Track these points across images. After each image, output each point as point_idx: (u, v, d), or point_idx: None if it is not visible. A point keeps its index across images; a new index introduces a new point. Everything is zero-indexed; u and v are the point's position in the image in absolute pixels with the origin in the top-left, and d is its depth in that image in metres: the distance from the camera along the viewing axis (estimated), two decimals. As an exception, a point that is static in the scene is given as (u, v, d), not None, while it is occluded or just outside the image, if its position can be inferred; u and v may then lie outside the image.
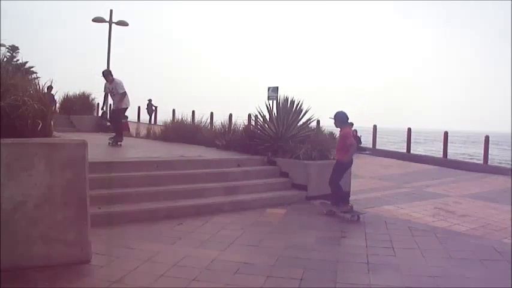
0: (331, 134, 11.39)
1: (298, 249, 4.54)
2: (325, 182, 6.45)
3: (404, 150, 17.21)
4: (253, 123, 9.80)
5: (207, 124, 11.57)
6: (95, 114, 18.01)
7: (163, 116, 14.47)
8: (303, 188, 7.24)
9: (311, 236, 5.15)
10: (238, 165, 7.50)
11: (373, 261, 4.22)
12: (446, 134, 15.83)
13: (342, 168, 6.42)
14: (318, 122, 10.33)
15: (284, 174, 7.60)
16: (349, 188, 7.56)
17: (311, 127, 8.86)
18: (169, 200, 5.86)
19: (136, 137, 12.99)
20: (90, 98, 17.54)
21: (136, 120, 21.41)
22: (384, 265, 4.14)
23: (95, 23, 20.88)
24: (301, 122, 8.48)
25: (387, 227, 5.68)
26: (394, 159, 15.54)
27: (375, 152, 17.24)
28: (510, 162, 17.75)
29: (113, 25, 21.19)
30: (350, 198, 7.41)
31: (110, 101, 10.34)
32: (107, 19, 21.06)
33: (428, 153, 20.16)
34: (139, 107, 23.76)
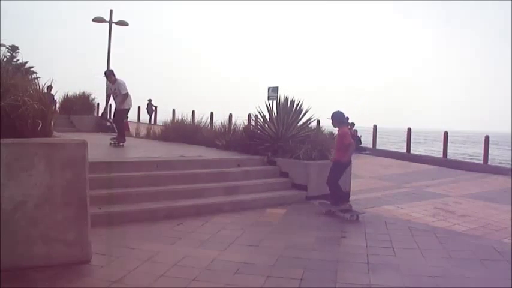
0: (331, 134, 11.39)
1: (298, 249, 4.54)
2: (325, 182, 6.45)
3: (404, 150, 17.22)
4: (253, 123, 9.80)
5: (207, 124, 11.57)
6: (95, 114, 18.02)
7: (163, 116, 14.49)
8: (303, 188, 7.24)
9: (311, 236, 5.15)
10: (238, 165, 7.50)
11: (373, 261, 4.22)
12: (446, 134, 15.83)
13: (340, 168, 6.42)
14: (318, 122, 10.33)
15: (284, 174, 7.60)
16: (349, 188, 7.56)
17: (311, 127, 8.86)
18: (169, 200, 5.86)
19: (136, 137, 12.99)
20: (90, 98, 17.56)
21: (137, 120, 21.42)
22: (384, 265, 4.14)
23: (95, 23, 20.89)
24: (301, 122, 8.48)
25: (387, 227, 5.68)
26: (394, 159, 15.53)
27: (375, 152, 17.24)
28: (510, 162, 17.75)
29: (113, 25, 21.19)
30: (350, 198, 7.42)
31: (111, 101, 10.29)
32: (107, 19, 21.06)
33: (428, 153, 20.18)
34: (139, 107, 23.78)
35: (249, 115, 11.33)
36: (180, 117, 11.79)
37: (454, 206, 7.55)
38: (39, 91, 4.18)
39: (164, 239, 4.66)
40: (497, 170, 13.29)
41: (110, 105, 10.96)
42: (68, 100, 16.69)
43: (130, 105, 9.53)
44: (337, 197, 6.33)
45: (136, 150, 8.76)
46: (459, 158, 20.91)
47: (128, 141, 9.81)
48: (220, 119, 10.95)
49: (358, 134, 18.12)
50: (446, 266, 4.20)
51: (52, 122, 4.16)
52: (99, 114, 18.04)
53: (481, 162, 14.91)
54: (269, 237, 5.03)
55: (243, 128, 9.43)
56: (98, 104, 19.01)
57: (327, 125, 7.45)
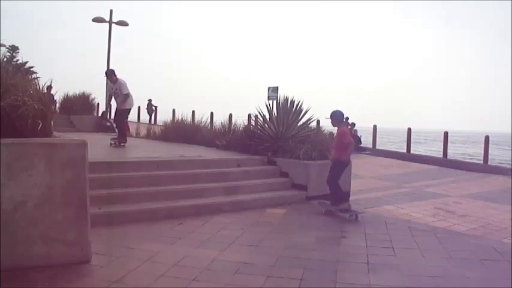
0: (331, 134, 11.39)
1: (298, 249, 4.54)
2: (325, 181, 6.45)
3: (404, 150, 17.23)
4: (253, 123, 9.79)
5: (207, 124, 11.57)
6: (95, 114, 18.02)
7: (163, 116, 14.49)
8: (303, 188, 7.24)
9: (311, 236, 5.15)
10: (238, 165, 7.50)
11: (373, 261, 4.22)
12: (446, 134, 15.84)
13: (340, 167, 6.41)
14: (318, 122, 10.33)
15: (284, 174, 7.60)
16: (349, 188, 7.56)
17: (311, 127, 8.86)
18: (169, 200, 5.86)
19: (136, 137, 12.99)
20: (90, 98, 17.57)
21: (137, 120, 21.42)
22: (384, 265, 4.14)
23: (95, 23, 20.90)
24: (301, 122, 8.48)
25: (387, 227, 5.68)
26: (394, 159, 15.54)
27: (375, 152, 17.26)
28: (510, 162, 17.76)
29: (113, 25, 21.21)
30: (350, 198, 7.41)
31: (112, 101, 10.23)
32: (107, 19, 21.08)
33: (428, 153, 20.19)
34: (139, 107, 23.79)
35: (249, 115, 11.33)
36: (180, 117, 11.79)
37: (454, 206, 7.56)
38: (39, 91, 4.18)
39: (164, 239, 4.66)
40: (497, 170, 13.30)
41: (111, 105, 10.91)
42: (68, 100, 16.69)
43: (132, 105, 9.44)
44: (337, 196, 6.33)
45: (136, 150, 8.76)
46: (459, 158, 20.92)
47: (128, 141, 9.80)
48: (220, 119, 10.96)
49: (358, 134, 18.14)
50: (446, 266, 4.19)
51: (52, 122, 4.16)
52: (99, 114, 18.06)
53: (481, 162, 14.92)
54: (269, 237, 5.03)
55: (243, 128, 9.43)
56: (98, 104, 19.04)
57: (327, 125, 7.45)
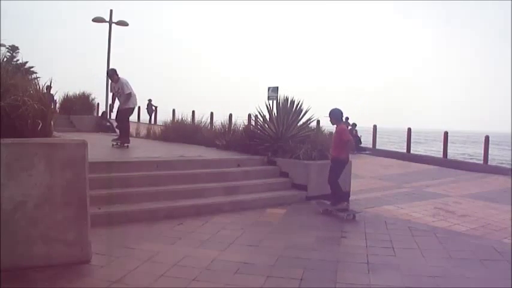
0: (332, 134, 11.38)
1: (298, 249, 4.54)
2: (325, 182, 6.46)
3: (405, 150, 17.23)
4: (253, 123, 9.79)
5: (207, 124, 11.57)
6: (95, 114, 18.03)
7: (163, 116, 14.49)
8: (303, 188, 7.24)
9: (311, 236, 5.15)
10: (238, 165, 7.50)
11: (373, 261, 4.22)
12: (446, 134, 15.84)
13: (339, 165, 6.41)
14: (318, 122, 10.33)
15: (284, 174, 7.60)
16: (349, 188, 7.56)
17: (311, 127, 8.86)
18: (169, 200, 5.86)
19: (136, 137, 12.98)
20: (90, 98, 17.56)
21: (137, 120, 21.42)
22: (384, 265, 4.14)
23: (95, 23, 20.92)
24: (301, 122, 8.48)
25: (387, 227, 5.68)
26: (394, 159, 15.54)
27: (375, 152, 17.25)
28: (510, 162, 17.76)
29: (113, 25, 21.23)
30: (350, 198, 7.42)
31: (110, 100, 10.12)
32: (107, 19, 21.09)
33: (428, 153, 20.19)
34: (139, 107, 23.77)
35: (249, 115, 11.33)
36: (180, 117, 11.79)
37: (454, 206, 7.55)
38: (39, 91, 4.18)
39: (164, 239, 4.66)
40: (497, 170, 13.30)
41: (110, 105, 10.83)
42: (68, 100, 16.69)
43: (135, 104, 9.28)
44: (337, 196, 6.33)
45: (136, 150, 8.76)
46: (459, 158, 20.93)
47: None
48: (220, 119, 10.95)
49: (358, 134, 18.14)
50: (446, 266, 4.20)
51: (52, 122, 4.16)
52: (99, 114, 18.06)
53: (481, 162, 14.92)
54: (269, 237, 5.03)
55: (243, 128, 9.43)
56: (98, 104, 19.05)
57: (327, 124, 7.46)
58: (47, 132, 3.96)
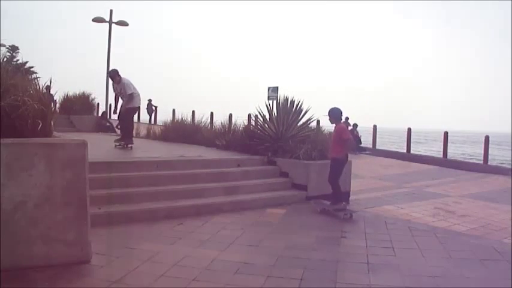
0: (332, 134, 11.37)
1: (298, 249, 4.54)
2: (325, 182, 6.45)
3: (405, 150, 17.23)
4: (253, 123, 9.79)
5: (207, 124, 11.57)
6: (95, 114, 18.03)
7: (163, 116, 14.49)
8: (303, 188, 7.24)
9: (311, 236, 5.15)
10: (238, 165, 7.50)
11: (373, 261, 4.22)
12: (446, 134, 15.84)
13: (339, 164, 6.41)
14: (318, 122, 10.33)
15: (284, 174, 7.60)
16: (349, 188, 7.57)
17: (311, 127, 8.86)
18: (169, 200, 5.86)
19: (136, 137, 12.96)
20: (90, 98, 17.56)
21: (137, 120, 21.42)
22: (384, 265, 4.14)
23: (95, 23, 20.93)
24: (301, 122, 8.48)
25: (387, 227, 5.68)
26: (394, 159, 15.54)
27: (375, 152, 17.25)
28: (510, 162, 17.77)
29: (113, 25, 21.24)
30: (350, 198, 7.42)
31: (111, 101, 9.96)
32: (107, 19, 21.11)
33: (428, 153, 20.21)
34: (139, 107, 23.77)
35: (249, 115, 11.33)
36: (180, 117, 11.79)
37: (454, 206, 7.55)
38: (39, 91, 4.18)
39: (164, 239, 4.66)
40: (497, 170, 13.30)
41: (110, 104, 10.74)
42: (68, 100, 16.69)
43: (139, 103, 9.18)
44: (336, 196, 6.33)
45: (136, 150, 8.75)
46: (459, 158, 20.93)
47: (129, 141, 9.76)
48: (220, 119, 10.94)
49: (359, 134, 18.14)
50: (446, 266, 4.20)
51: (52, 122, 4.16)
52: (99, 114, 18.07)
53: (481, 162, 14.92)
54: (269, 237, 5.03)
55: (243, 128, 9.42)
56: (98, 104, 19.05)
57: (327, 124, 7.46)
58: (47, 132, 3.96)
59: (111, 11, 21.27)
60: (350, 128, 16.56)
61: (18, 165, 3.53)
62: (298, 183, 7.34)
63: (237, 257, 4.20)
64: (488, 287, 3.76)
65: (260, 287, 3.51)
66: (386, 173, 11.88)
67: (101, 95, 20.18)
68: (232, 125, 10.17)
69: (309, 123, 8.66)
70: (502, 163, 18.75)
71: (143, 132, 13.11)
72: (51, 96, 4.72)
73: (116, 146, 8.91)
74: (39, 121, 3.86)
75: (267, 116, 8.65)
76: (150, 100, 25.46)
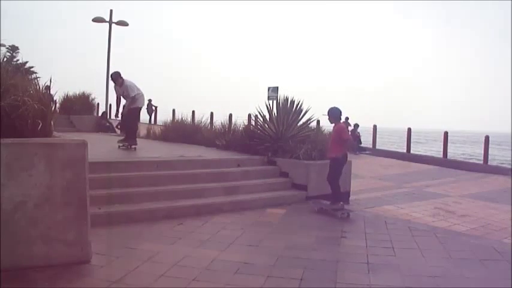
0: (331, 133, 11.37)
1: (298, 249, 4.54)
2: (325, 182, 6.45)
3: (405, 150, 17.24)
4: (253, 123, 9.79)
5: (207, 124, 11.56)
6: (95, 114, 18.03)
7: (163, 116, 14.48)
8: (303, 188, 7.24)
9: (311, 236, 5.15)
10: (238, 165, 7.50)
11: (373, 261, 4.22)
12: (446, 134, 15.84)
13: (339, 164, 6.41)
14: (318, 122, 10.34)
15: (284, 174, 7.60)
16: (349, 188, 7.56)
17: (311, 127, 8.86)
18: (169, 200, 5.86)
19: (136, 137, 12.97)
20: (90, 98, 17.57)
21: (137, 120, 21.39)
22: (384, 265, 4.14)
23: (95, 23, 20.93)
24: (301, 122, 8.48)
25: (387, 227, 5.68)
26: (394, 159, 15.55)
27: (375, 152, 17.26)
28: (510, 162, 17.77)
29: (113, 25, 21.24)
30: (350, 198, 7.42)
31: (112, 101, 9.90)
32: (107, 19, 21.10)
33: (428, 153, 20.21)
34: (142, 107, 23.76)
35: (249, 115, 11.33)
36: (180, 117, 11.79)
37: (454, 206, 7.56)
38: (39, 91, 4.18)
39: (164, 239, 4.66)
40: (497, 170, 13.31)
41: (110, 105, 10.71)
42: (68, 100, 16.69)
43: (142, 103, 9.11)
44: (336, 196, 6.34)
45: (137, 150, 8.75)
46: (459, 158, 20.94)
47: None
48: (220, 119, 10.94)
49: (359, 134, 18.15)
50: (446, 266, 4.20)
51: (52, 122, 4.16)
52: (99, 114, 18.07)
53: (481, 162, 14.92)
54: (269, 237, 5.03)
55: (243, 128, 9.43)
56: (98, 104, 19.04)
57: (327, 124, 7.46)
58: (47, 132, 3.96)
59: (111, 11, 21.28)
60: (350, 128, 16.57)
61: (18, 165, 3.53)
62: (298, 183, 7.34)
63: (237, 257, 4.20)
64: (488, 287, 3.76)
65: (260, 287, 3.51)
66: (386, 173, 11.89)
67: (101, 95, 20.18)
68: (232, 125, 10.17)
69: (309, 123, 8.67)
70: (502, 163, 18.75)
71: (143, 132, 13.11)
72: (51, 96, 4.72)
73: (119, 146, 8.81)
74: (39, 121, 3.86)
75: (267, 116, 8.65)
76: (150, 100, 25.44)
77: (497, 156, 23.83)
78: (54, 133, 4.21)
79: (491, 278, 3.95)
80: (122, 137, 9.27)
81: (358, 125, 18.20)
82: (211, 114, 14.43)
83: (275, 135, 8.19)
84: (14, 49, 38.27)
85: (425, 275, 3.92)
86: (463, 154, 26.96)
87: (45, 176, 3.63)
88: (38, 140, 3.75)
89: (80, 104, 16.75)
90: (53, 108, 4.48)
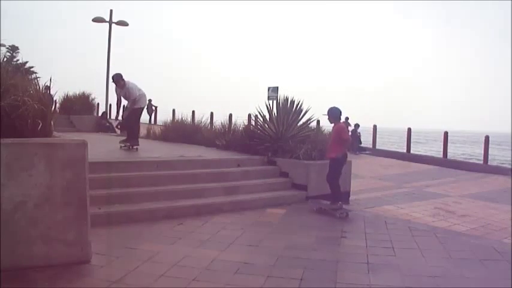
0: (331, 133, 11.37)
1: (298, 249, 4.54)
2: (325, 181, 6.46)
3: (405, 150, 17.24)
4: (253, 123, 9.79)
5: (207, 124, 11.57)
6: (95, 114, 18.03)
7: (163, 116, 14.48)
8: (303, 188, 7.24)
9: (311, 236, 5.15)
10: (238, 165, 7.50)
11: (373, 261, 4.22)
12: (446, 134, 15.84)
13: (338, 163, 6.41)
14: (318, 122, 10.34)
15: (284, 174, 7.60)
16: (349, 188, 7.56)
17: (311, 127, 8.86)
18: (169, 200, 5.86)
19: (138, 137, 12.97)
20: (90, 98, 17.56)
21: (137, 121, 21.39)
22: (384, 265, 4.14)
23: (95, 23, 20.94)
24: (301, 122, 8.48)
25: (387, 227, 5.68)
26: (394, 159, 15.55)
27: (375, 152, 17.26)
28: (510, 162, 17.77)
29: (113, 25, 21.25)
30: (350, 198, 7.42)
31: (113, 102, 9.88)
32: (107, 19, 21.11)
33: (428, 153, 20.21)
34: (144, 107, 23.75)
35: (249, 115, 11.34)
36: (180, 117, 11.79)
37: (454, 206, 7.56)
38: (39, 91, 4.18)
39: (164, 239, 4.66)
40: (497, 170, 13.31)
41: (110, 105, 10.71)
42: (68, 100, 16.68)
43: (144, 103, 9.10)
44: (336, 196, 6.34)
45: (137, 150, 8.75)
46: (459, 158, 20.94)
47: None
48: (220, 119, 10.94)
49: (360, 134, 18.16)
50: (446, 266, 4.20)
51: (52, 122, 4.16)
52: (99, 114, 18.07)
53: (481, 162, 14.93)
54: (269, 237, 5.03)
55: (243, 128, 9.43)
56: (98, 104, 19.04)
57: (327, 125, 7.47)
58: (47, 132, 3.96)
59: (111, 11, 21.28)
60: (351, 128, 16.56)
61: (18, 165, 3.53)
62: (298, 183, 7.34)
63: (237, 257, 4.20)
64: (488, 287, 3.76)
65: (260, 287, 3.51)
66: (386, 173, 11.89)
67: (101, 95, 20.17)
68: (232, 125, 10.17)
69: (309, 123, 8.67)
70: (502, 163, 18.75)
71: (143, 132, 13.11)
72: (51, 96, 4.72)
73: (121, 147, 8.75)
74: (39, 121, 3.86)
75: (267, 116, 8.65)
76: (150, 100, 25.41)
77: (497, 156, 23.82)
78: (54, 133, 4.21)
79: (491, 278, 3.95)
80: (123, 137, 9.25)
81: (358, 125, 18.20)
82: (211, 114, 14.43)
83: (275, 135, 8.19)
84: (14, 49, 38.28)
85: (425, 275, 3.92)
86: (463, 154, 26.96)
87: (45, 176, 3.63)
88: (38, 140, 3.75)
89: (80, 104, 16.74)
90: (53, 108, 4.48)
